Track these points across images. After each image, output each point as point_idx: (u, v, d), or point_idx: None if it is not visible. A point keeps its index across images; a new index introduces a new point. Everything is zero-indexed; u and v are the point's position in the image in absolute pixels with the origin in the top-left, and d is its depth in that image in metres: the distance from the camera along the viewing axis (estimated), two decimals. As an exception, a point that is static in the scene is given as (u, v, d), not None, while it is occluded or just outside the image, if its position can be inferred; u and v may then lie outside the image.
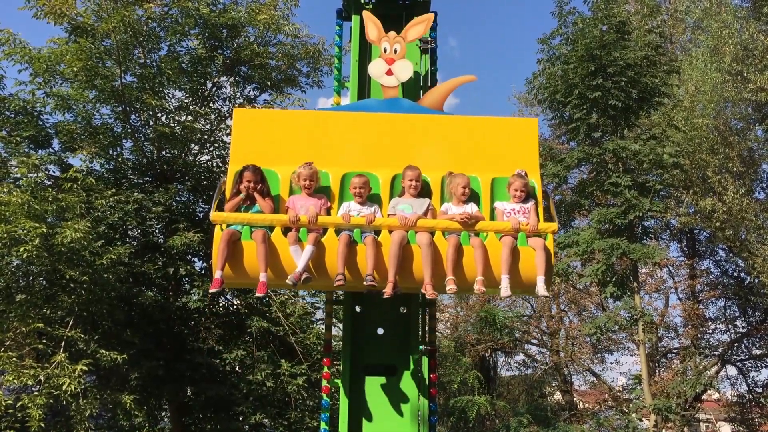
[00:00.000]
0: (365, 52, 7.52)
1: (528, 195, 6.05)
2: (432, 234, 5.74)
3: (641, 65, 18.64)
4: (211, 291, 5.83)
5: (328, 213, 5.95)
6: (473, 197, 6.08)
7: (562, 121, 20.22)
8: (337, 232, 5.75)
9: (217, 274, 5.63)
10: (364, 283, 5.55)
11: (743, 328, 24.18)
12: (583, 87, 18.16)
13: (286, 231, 5.74)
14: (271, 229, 5.75)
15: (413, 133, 6.30)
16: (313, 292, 16.69)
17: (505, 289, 5.60)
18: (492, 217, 6.01)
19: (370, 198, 6.06)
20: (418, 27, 7.09)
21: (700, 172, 18.79)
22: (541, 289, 5.64)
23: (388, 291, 5.52)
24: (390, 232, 5.73)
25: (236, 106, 17.30)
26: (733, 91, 18.17)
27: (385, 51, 7.00)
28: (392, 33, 7.07)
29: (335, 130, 6.28)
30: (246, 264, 5.68)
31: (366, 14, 7.18)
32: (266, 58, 16.72)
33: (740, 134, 19.46)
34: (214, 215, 5.76)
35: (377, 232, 5.78)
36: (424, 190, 6.06)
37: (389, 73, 6.96)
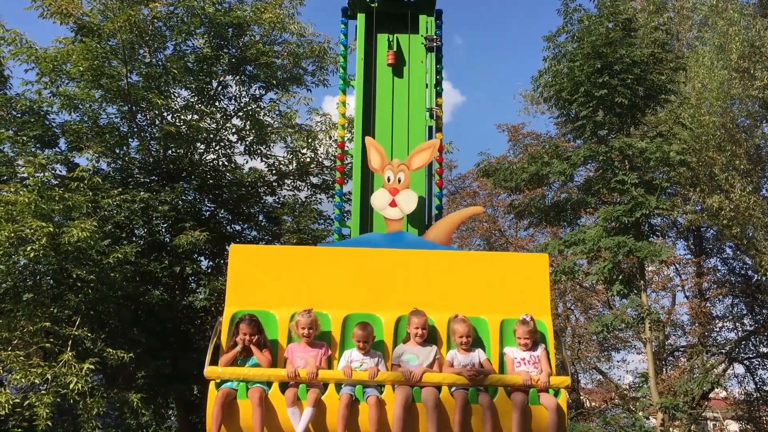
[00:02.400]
0: (370, 50, 7.51)
1: (536, 341, 5.77)
2: (438, 389, 5.47)
3: (647, 62, 18.57)
4: None
5: (329, 363, 5.69)
6: (479, 342, 5.84)
7: (568, 119, 20.15)
8: (338, 386, 5.51)
9: None
10: None
11: (750, 326, 24.10)
12: (589, 85, 18.10)
13: (284, 385, 5.51)
14: (269, 383, 5.52)
15: (418, 270, 6.01)
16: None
17: None
18: (500, 363, 5.77)
19: (374, 344, 5.76)
20: (422, 155, 6.81)
21: (707, 169, 18.72)
22: None
23: None
24: (394, 386, 5.47)
25: (242, 106, 17.32)
26: (739, 88, 18.09)
27: (388, 180, 6.73)
28: (396, 161, 6.82)
29: (336, 267, 6.00)
30: (242, 424, 5.44)
31: (369, 141, 6.91)
32: (272, 56, 16.73)
33: (747, 131, 19.38)
34: (208, 370, 5.50)
35: (380, 386, 5.51)
36: (430, 336, 5.78)
37: (393, 204, 6.68)
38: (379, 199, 6.72)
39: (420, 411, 5.42)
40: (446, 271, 6.03)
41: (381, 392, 5.49)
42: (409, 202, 6.70)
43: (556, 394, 5.56)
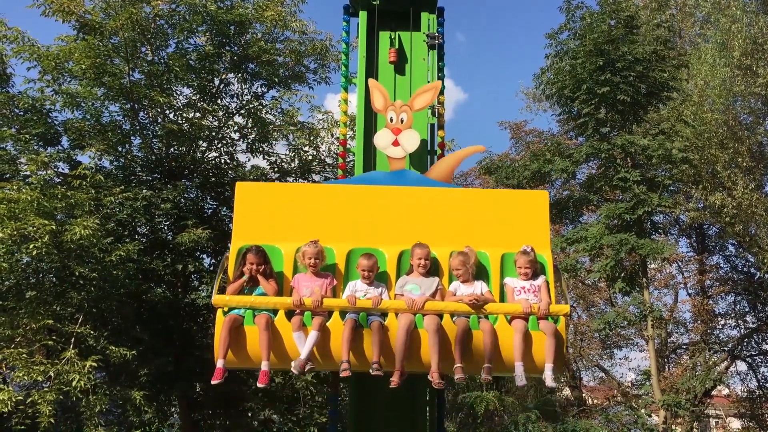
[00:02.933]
0: (372, 47, 7.52)
1: (536, 272, 5.89)
2: (440, 317, 5.57)
3: (650, 60, 18.55)
4: (213, 383, 5.65)
5: (334, 292, 5.80)
6: (482, 274, 5.94)
7: (570, 117, 20.15)
8: (343, 314, 5.60)
9: (219, 363, 5.53)
10: (371, 371, 5.40)
11: (753, 323, 24.08)
12: (592, 82, 18.09)
13: (290, 314, 5.60)
14: (275, 312, 5.61)
15: (420, 206, 6.15)
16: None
17: (519, 377, 5.46)
18: (501, 294, 5.88)
19: (377, 276, 5.87)
20: (424, 96, 6.92)
21: (710, 167, 18.70)
22: (548, 378, 5.51)
23: (395, 380, 5.40)
24: (397, 314, 5.57)
25: (244, 104, 17.32)
26: (742, 85, 18.06)
27: (391, 120, 6.84)
28: (399, 102, 6.95)
29: (340, 204, 6.14)
30: (249, 350, 5.57)
31: (372, 83, 7.03)
32: (274, 54, 16.72)
33: (750, 129, 19.35)
34: (215, 299, 5.63)
35: (384, 314, 5.63)
36: (432, 268, 5.90)
37: (396, 143, 6.81)
38: (382, 138, 6.86)
39: (422, 336, 5.53)
40: (448, 207, 6.19)
41: (384, 320, 5.60)
42: (411, 141, 6.84)
43: (556, 321, 5.67)
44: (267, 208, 6.12)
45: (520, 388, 27.92)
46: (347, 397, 6.68)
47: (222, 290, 5.81)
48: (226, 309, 5.62)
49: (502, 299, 5.86)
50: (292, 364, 5.43)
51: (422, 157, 7.22)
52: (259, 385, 5.60)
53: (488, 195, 6.31)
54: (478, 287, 5.77)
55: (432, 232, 6.02)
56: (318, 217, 6.08)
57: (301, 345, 5.46)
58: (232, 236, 6.10)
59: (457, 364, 5.43)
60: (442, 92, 7.51)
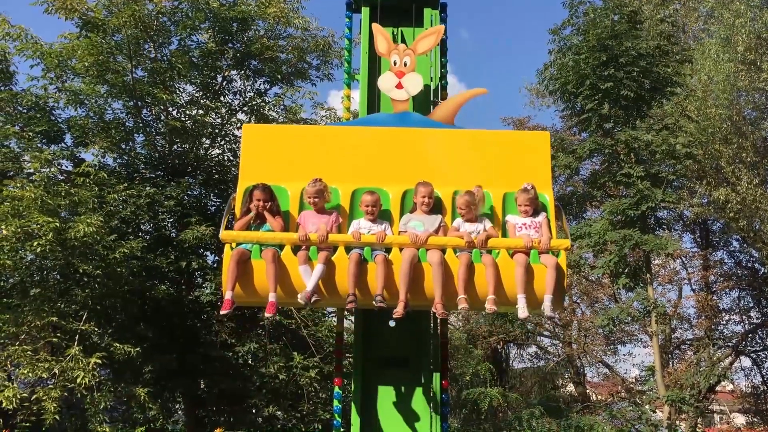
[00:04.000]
0: (375, 44, 7.49)
1: (537, 209, 5.95)
2: (443, 252, 5.65)
3: (653, 55, 18.52)
4: (221, 313, 5.72)
5: (339, 230, 5.86)
6: (485, 213, 6.00)
7: (573, 112, 20.13)
8: (348, 250, 5.66)
9: (227, 295, 5.58)
10: (374, 303, 5.48)
11: (757, 318, 24.02)
12: (595, 77, 18.07)
13: (296, 249, 5.67)
14: (281, 247, 5.68)
15: (424, 147, 6.21)
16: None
17: (522, 309, 5.50)
18: (503, 231, 5.93)
19: (381, 214, 5.96)
20: (428, 39, 6.96)
21: (714, 162, 18.64)
22: (547, 308, 5.58)
23: (399, 311, 5.45)
24: (401, 249, 5.64)
25: (247, 101, 17.33)
26: (746, 80, 17.99)
27: (395, 64, 6.89)
28: (402, 46, 6.99)
29: (345, 145, 6.20)
30: (256, 283, 5.64)
31: (375, 27, 7.09)
32: (276, 51, 16.73)
33: (754, 124, 19.27)
34: (223, 234, 5.71)
35: (388, 250, 5.69)
36: (435, 206, 5.97)
37: (399, 86, 6.84)
38: (385, 81, 6.89)
39: (425, 270, 5.61)
40: (451, 148, 6.25)
41: (389, 254, 5.69)
42: (414, 84, 6.87)
43: (557, 255, 5.74)
44: (273, 149, 6.19)
45: (523, 383, 27.92)
46: (351, 394, 6.67)
47: (230, 229, 5.90)
48: (233, 245, 5.72)
49: (504, 236, 5.94)
50: (299, 295, 5.51)
51: (425, 101, 7.25)
52: (266, 314, 5.67)
53: (491, 136, 6.33)
54: (482, 225, 5.86)
55: (435, 173, 6.09)
56: (323, 158, 6.15)
57: (307, 278, 5.54)
58: (239, 177, 6.17)
59: (461, 295, 5.52)
60: (445, 87, 7.50)
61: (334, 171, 6.07)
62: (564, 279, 5.74)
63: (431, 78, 7.44)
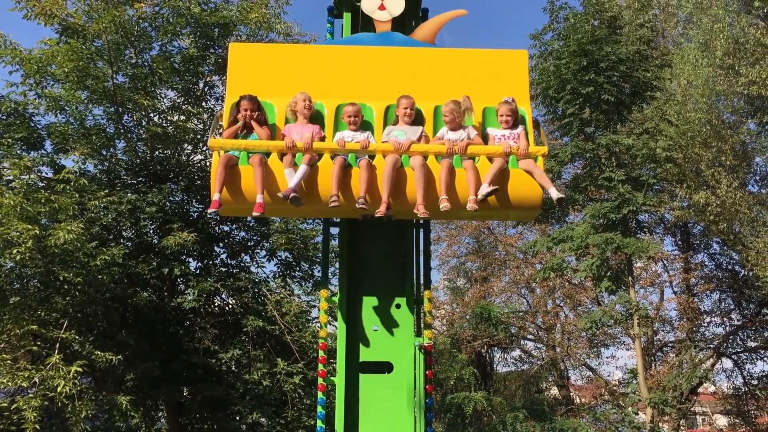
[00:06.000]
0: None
1: (516, 121, 6.19)
2: (425, 158, 5.86)
3: (633, 60, 18.68)
4: (209, 211, 5.95)
5: (323, 140, 6.04)
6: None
7: (555, 117, 20.25)
8: (332, 157, 5.85)
9: (215, 196, 5.74)
10: (356, 205, 5.67)
11: (738, 320, 24.23)
12: (576, 82, 18.20)
13: (282, 157, 5.85)
14: (268, 155, 5.85)
15: (406, 65, 6.44)
16: (309, 290, 16.67)
17: (482, 193, 5.73)
18: (484, 141, 6.16)
19: (364, 127, 6.18)
20: None
21: (694, 165, 18.82)
22: (554, 193, 5.91)
23: (381, 210, 5.64)
24: (384, 157, 5.85)
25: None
26: (725, 84, 18.19)
27: None
28: None
29: (329, 64, 6.42)
30: (244, 188, 5.82)
31: None
32: (258, 56, 16.67)
33: (733, 128, 19.49)
34: (212, 141, 5.89)
35: (371, 158, 5.89)
36: (417, 119, 6.20)
37: (381, 7, 7.04)
38: (369, 2, 7.09)
39: (408, 175, 5.85)
40: (432, 65, 6.49)
41: (372, 160, 5.89)
42: (396, 4, 7.08)
43: (535, 161, 6.01)
44: (260, 67, 6.39)
45: (507, 379, 27.90)
46: (335, 401, 6.64)
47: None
48: (222, 153, 5.87)
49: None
50: (279, 193, 5.67)
51: (407, 23, 7.39)
52: (254, 213, 5.80)
53: (470, 54, 6.54)
54: (466, 133, 6.05)
55: (417, 89, 6.30)
56: (308, 75, 6.35)
57: (291, 180, 5.72)
58: (226, 93, 6.32)
59: (443, 195, 5.72)
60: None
61: (319, 88, 6.28)
62: (544, 176, 6.01)
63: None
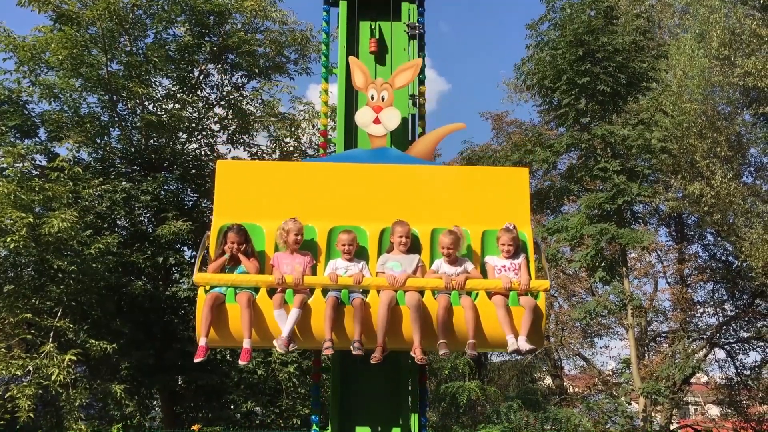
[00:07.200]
0: (353, 38, 7.46)
1: (518, 249, 5.87)
2: (421, 294, 5.58)
3: (629, 50, 18.65)
4: (195, 361, 5.58)
5: (314, 271, 5.76)
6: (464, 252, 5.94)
7: (550, 107, 20.22)
8: (324, 292, 5.57)
9: (201, 341, 5.50)
10: (352, 350, 5.38)
11: (731, 311, 24.31)
12: (572, 72, 18.17)
13: (271, 292, 5.57)
14: (257, 290, 5.58)
15: (402, 184, 6.13)
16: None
17: (522, 342, 5.44)
18: (482, 272, 5.86)
19: (358, 253, 5.84)
20: (405, 74, 6.88)
21: (689, 156, 18.81)
22: (522, 347, 5.46)
23: (377, 356, 5.38)
24: (378, 291, 5.55)
25: (224, 95, 17.20)
26: (720, 75, 18.16)
27: (372, 98, 6.78)
28: (380, 80, 6.90)
29: (322, 182, 6.11)
30: (231, 328, 5.52)
31: (352, 60, 6.98)
32: (254, 45, 16.62)
33: (728, 119, 19.48)
34: (197, 276, 5.59)
35: (365, 291, 5.60)
36: (413, 245, 5.89)
37: (377, 121, 6.73)
38: (363, 116, 6.79)
39: (404, 313, 5.52)
40: (429, 184, 6.18)
41: (366, 297, 5.60)
42: (392, 119, 6.78)
43: (536, 297, 5.70)
44: (248, 186, 6.08)
45: (502, 378, 28.06)
46: (329, 389, 6.64)
47: (204, 269, 5.77)
48: (207, 287, 5.61)
49: (483, 277, 5.85)
50: (275, 342, 5.42)
51: (403, 136, 7.15)
52: (240, 362, 5.59)
53: (469, 172, 6.39)
54: (462, 267, 5.76)
55: (413, 210, 6.01)
56: (299, 195, 6.05)
57: (282, 322, 5.45)
58: (213, 215, 6.05)
59: (441, 339, 5.44)
60: (423, 82, 7.46)
61: (311, 209, 5.96)
62: (542, 321, 5.68)
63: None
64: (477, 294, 5.66)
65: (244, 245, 5.73)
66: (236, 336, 5.52)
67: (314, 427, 6.57)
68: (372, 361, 5.38)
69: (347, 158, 6.54)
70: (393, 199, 6.06)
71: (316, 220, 5.95)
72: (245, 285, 5.58)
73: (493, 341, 5.57)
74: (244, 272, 5.67)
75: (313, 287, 5.59)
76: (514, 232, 5.87)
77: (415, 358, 5.47)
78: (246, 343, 5.44)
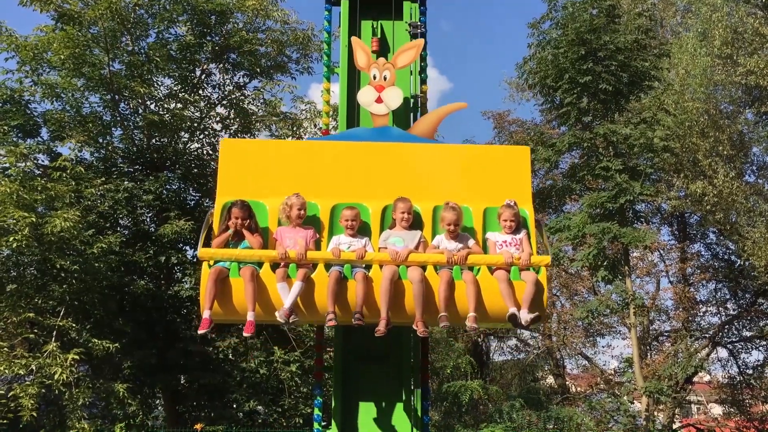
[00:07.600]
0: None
1: (519, 225, 5.93)
2: (423, 268, 5.63)
3: (631, 49, 18.64)
4: (199, 332, 5.67)
5: (318, 245, 5.81)
6: (466, 228, 5.96)
7: (552, 106, 20.21)
8: (327, 266, 5.62)
9: (205, 314, 5.52)
10: (353, 321, 5.44)
11: (734, 310, 24.29)
12: (574, 71, 18.16)
13: (275, 266, 5.61)
14: (260, 264, 5.63)
15: (403, 162, 6.17)
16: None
17: (524, 319, 5.50)
18: (484, 248, 5.90)
19: (361, 230, 5.89)
20: (407, 53, 6.94)
21: (691, 155, 18.80)
22: (523, 319, 5.52)
23: (380, 329, 5.42)
24: (381, 266, 5.61)
25: (226, 95, 17.21)
26: (723, 74, 18.14)
27: (374, 78, 6.84)
28: (382, 60, 6.95)
29: (324, 161, 6.14)
30: (235, 301, 5.58)
31: (354, 40, 7.03)
32: (255, 44, 16.63)
33: (730, 118, 19.46)
34: (201, 251, 5.64)
35: (368, 267, 5.65)
36: (415, 222, 5.94)
37: (379, 100, 6.80)
38: (365, 95, 6.85)
39: (406, 287, 5.58)
40: (431, 162, 6.22)
41: (368, 271, 5.64)
42: (394, 98, 6.83)
43: (537, 271, 5.75)
44: (251, 164, 6.13)
45: (505, 379, 28.04)
46: (332, 388, 6.65)
47: (207, 245, 5.79)
48: (211, 262, 5.66)
49: (485, 253, 5.91)
50: (277, 313, 5.48)
51: (405, 115, 7.20)
52: (245, 334, 5.64)
53: (470, 150, 6.44)
54: (463, 243, 5.82)
55: (415, 187, 6.06)
56: (302, 173, 6.09)
57: (285, 296, 5.50)
58: (216, 192, 6.09)
59: (442, 312, 5.50)
60: (425, 81, 7.47)
61: (314, 186, 6.01)
62: (544, 295, 5.72)
63: (410, 72, 7.42)
64: (479, 269, 5.71)
65: (248, 221, 5.79)
66: (240, 309, 5.60)
67: (316, 426, 6.57)
68: (376, 334, 5.45)
69: (350, 137, 6.59)
70: (395, 176, 6.11)
71: (319, 198, 6.02)
72: (249, 260, 5.63)
73: (494, 315, 5.63)
74: (247, 247, 5.73)
75: (316, 262, 5.65)
76: (515, 208, 5.93)
77: (417, 330, 5.54)
78: (250, 316, 5.53)
